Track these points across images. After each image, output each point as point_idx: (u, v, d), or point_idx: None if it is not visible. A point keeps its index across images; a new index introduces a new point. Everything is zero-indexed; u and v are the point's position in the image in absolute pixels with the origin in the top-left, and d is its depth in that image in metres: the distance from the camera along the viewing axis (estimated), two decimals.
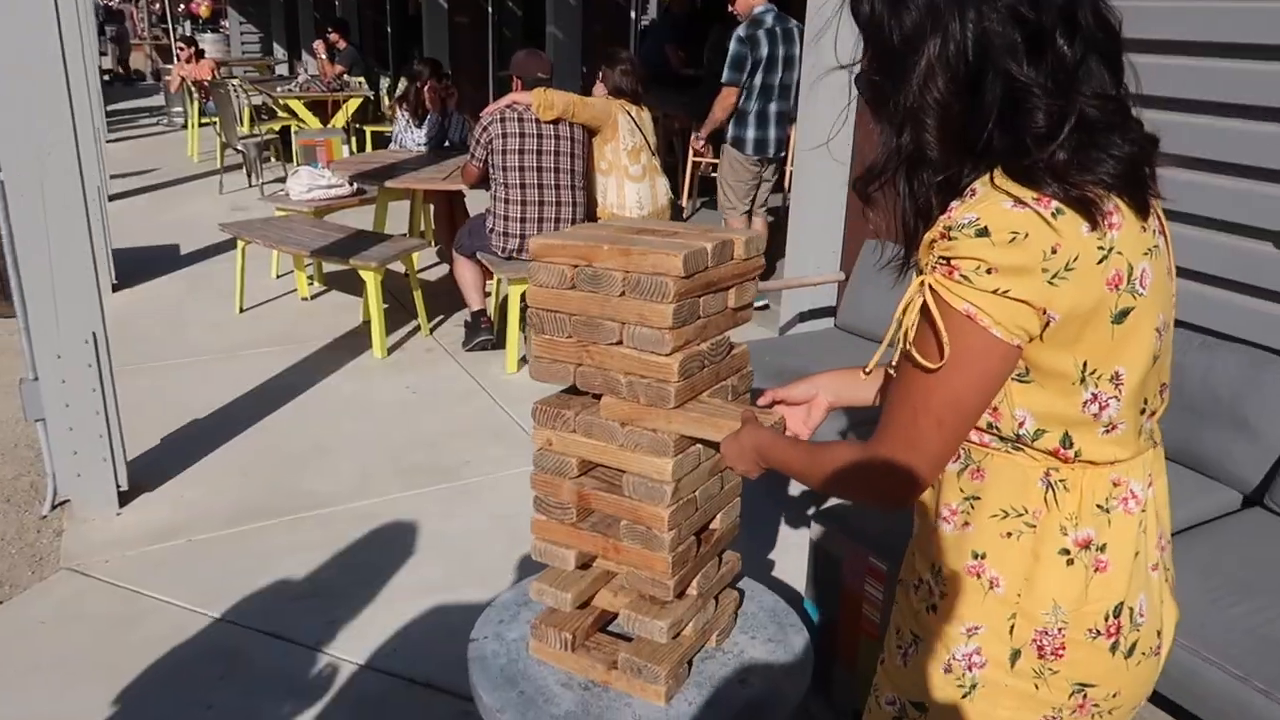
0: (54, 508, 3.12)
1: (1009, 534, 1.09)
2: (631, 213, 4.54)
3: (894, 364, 1.11)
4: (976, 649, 1.12)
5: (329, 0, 14.05)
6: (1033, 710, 1.11)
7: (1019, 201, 0.97)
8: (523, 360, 4.36)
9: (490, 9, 9.19)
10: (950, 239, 0.98)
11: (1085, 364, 1.02)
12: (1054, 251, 0.96)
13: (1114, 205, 1.00)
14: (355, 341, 4.63)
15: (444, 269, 5.82)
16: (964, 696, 1.13)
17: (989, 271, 0.96)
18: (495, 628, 1.81)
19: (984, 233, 0.97)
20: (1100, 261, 0.99)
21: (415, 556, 2.87)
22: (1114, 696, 1.12)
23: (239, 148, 8.15)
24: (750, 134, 4.95)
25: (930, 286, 1.00)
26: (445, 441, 3.63)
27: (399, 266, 4.72)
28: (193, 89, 9.92)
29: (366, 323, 4.69)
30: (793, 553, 2.91)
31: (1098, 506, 1.08)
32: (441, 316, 5.01)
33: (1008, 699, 1.11)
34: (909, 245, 1.09)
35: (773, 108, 4.94)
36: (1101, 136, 0.99)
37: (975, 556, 1.11)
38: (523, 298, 4.30)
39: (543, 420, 1.60)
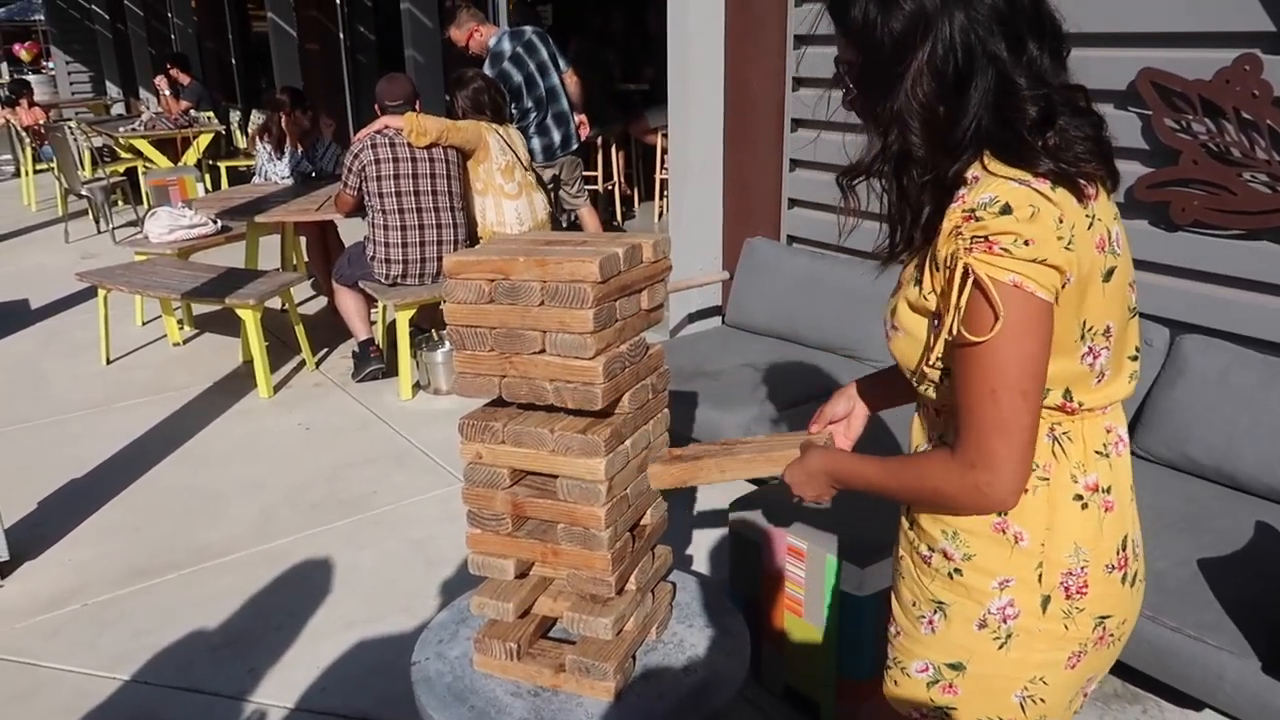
0: None
1: (1027, 490, 1.15)
2: (512, 229, 4.56)
3: (923, 364, 1.17)
4: (1009, 601, 1.19)
5: (162, 35, 13.46)
6: (1063, 649, 1.20)
7: (1021, 181, 1.07)
8: (416, 385, 4.31)
9: (342, 34, 9.02)
10: (977, 219, 1.05)
11: (1084, 322, 1.12)
12: (1061, 221, 1.06)
13: (1089, 178, 1.11)
14: (238, 383, 4.48)
15: (322, 301, 5.68)
16: (1000, 648, 1.20)
17: (1026, 243, 1.04)
18: (436, 648, 1.81)
19: (1007, 209, 1.05)
20: (1089, 228, 1.10)
21: (332, 593, 2.81)
22: (1123, 624, 1.24)
23: (83, 193, 7.73)
24: (537, 144, 5.22)
25: (970, 266, 1.05)
26: (347, 474, 3.56)
27: (276, 303, 4.59)
28: (23, 135, 9.35)
29: (247, 363, 4.54)
30: (707, 541, 3.00)
31: (1097, 453, 1.19)
32: (326, 349, 4.89)
33: (1041, 642, 1.19)
34: (897, 236, 1.18)
35: (549, 115, 5.26)
36: (1070, 120, 1.11)
37: (999, 514, 1.17)
38: (411, 322, 4.26)
39: (470, 434, 1.62)
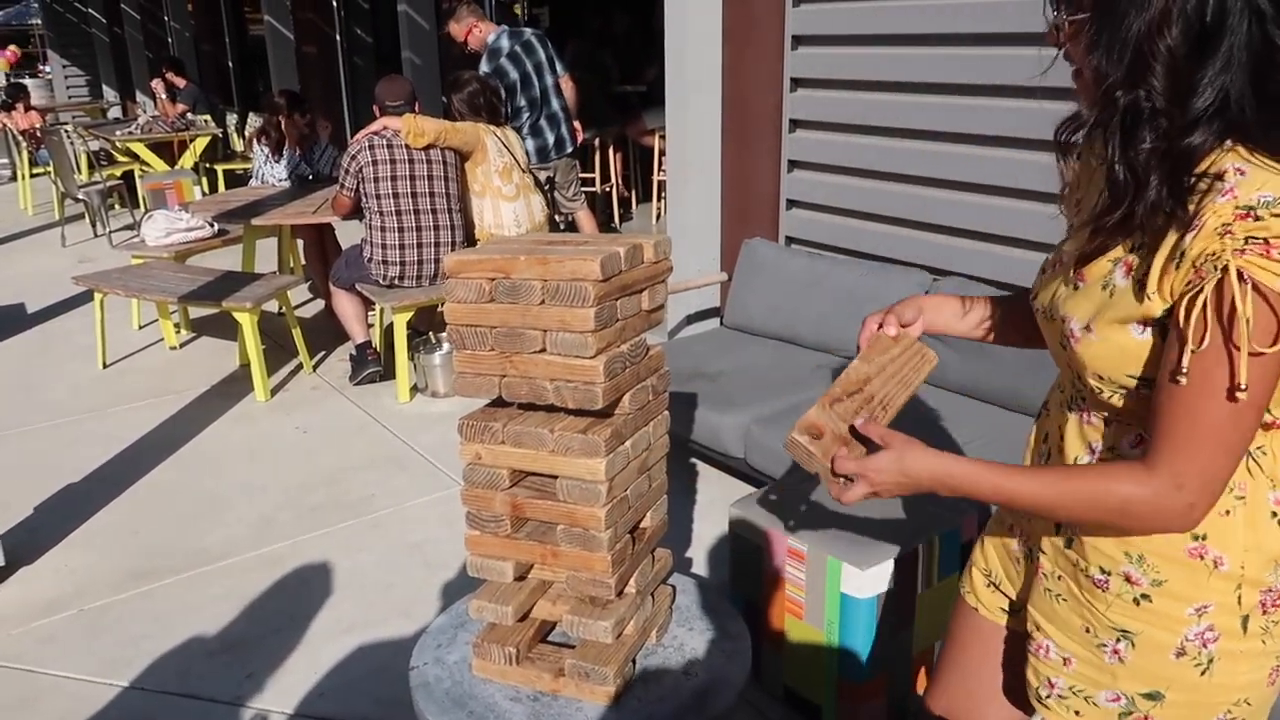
0: None
1: (1226, 512, 1.09)
2: (510, 231, 4.55)
3: (1125, 373, 1.07)
4: (1209, 626, 1.12)
5: (159, 39, 13.45)
6: (1264, 664, 1.14)
7: None
8: (414, 389, 4.29)
9: (340, 37, 9.01)
10: (1257, 218, 0.94)
11: None
12: None
13: None
14: (235, 387, 4.46)
15: (319, 304, 5.67)
16: (1203, 674, 1.13)
17: None
18: (434, 653, 1.79)
19: None
20: None
21: (331, 597, 2.79)
22: None
23: (80, 197, 7.71)
24: (531, 145, 5.22)
25: (1245, 270, 0.94)
26: (345, 477, 3.55)
27: (272, 306, 4.57)
28: (19, 139, 9.34)
29: (244, 366, 4.53)
30: (707, 542, 2.98)
31: None
32: (324, 352, 4.88)
33: (1244, 664, 1.13)
34: (1118, 204, 1.04)
35: (542, 116, 5.27)
36: None
37: (1196, 539, 1.10)
38: (409, 325, 4.25)
39: (470, 435, 1.61)
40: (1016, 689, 1.41)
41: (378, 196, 4.17)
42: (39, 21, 18.01)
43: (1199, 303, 0.96)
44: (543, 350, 1.51)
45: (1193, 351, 0.98)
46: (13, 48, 17.57)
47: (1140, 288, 1.03)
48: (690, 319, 4.35)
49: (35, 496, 3.45)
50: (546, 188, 5.27)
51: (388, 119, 4.25)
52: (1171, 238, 1.00)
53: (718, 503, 3.20)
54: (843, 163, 3.72)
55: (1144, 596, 1.14)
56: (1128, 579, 1.14)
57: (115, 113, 14.03)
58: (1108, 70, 1.00)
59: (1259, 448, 1.08)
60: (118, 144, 8.69)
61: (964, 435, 2.79)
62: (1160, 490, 1.03)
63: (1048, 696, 1.26)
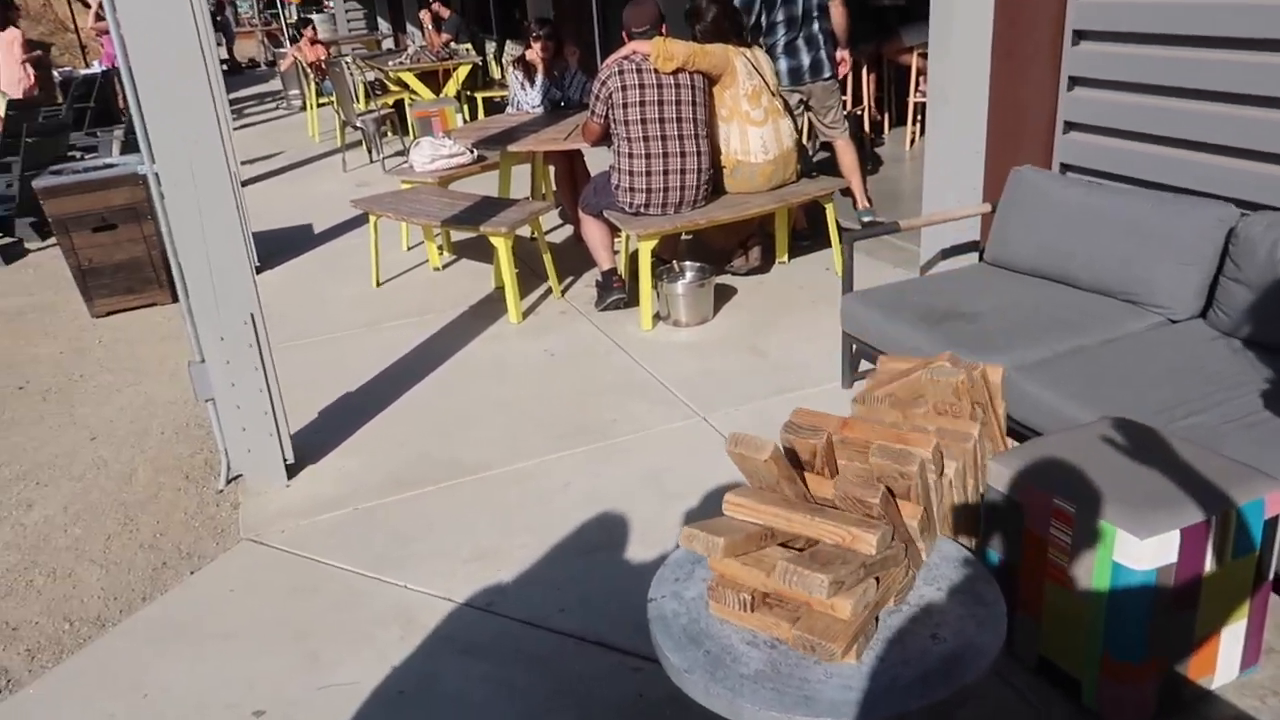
0: (228, 483, 3.29)
1: None
2: (756, 158, 4.43)
3: None
4: None
5: None
6: None
7: None
8: (657, 316, 4.33)
9: None
10: None
11: None
12: None
13: None
14: (490, 308, 4.70)
15: (568, 230, 5.84)
16: None
17: None
18: (672, 586, 1.80)
19: None
20: None
21: (573, 517, 2.90)
22: None
23: (358, 124, 8.34)
24: (784, 65, 4.92)
25: None
26: (589, 401, 3.65)
27: (525, 231, 4.73)
28: (308, 70, 10.19)
29: (499, 289, 4.75)
30: None
31: None
32: (571, 278, 5.02)
33: None
34: None
35: (800, 36, 4.92)
36: None
37: None
38: (653, 252, 4.26)
39: None
40: None
41: (626, 122, 4.18)
42: None
43: None
44: None
45: None
46: None
47: None
48: (945, 254, 4.07)
49: (319, 401, 3.81)
50: (798, 110, 5.06)
51: (636, 43, 4.22)
52: None
53: None
54: (1136, 78, 3.30)
55: None
56: None
57: (388, 44, 15.02)
58: None
59: None
60: (390, 74, 9.29)
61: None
62: None
63: None
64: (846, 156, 5.19)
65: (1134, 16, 3.26)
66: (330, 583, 2.71)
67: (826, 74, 5.04)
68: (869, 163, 6.79)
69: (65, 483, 3.50)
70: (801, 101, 5.09)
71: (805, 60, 4.98)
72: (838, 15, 5.08)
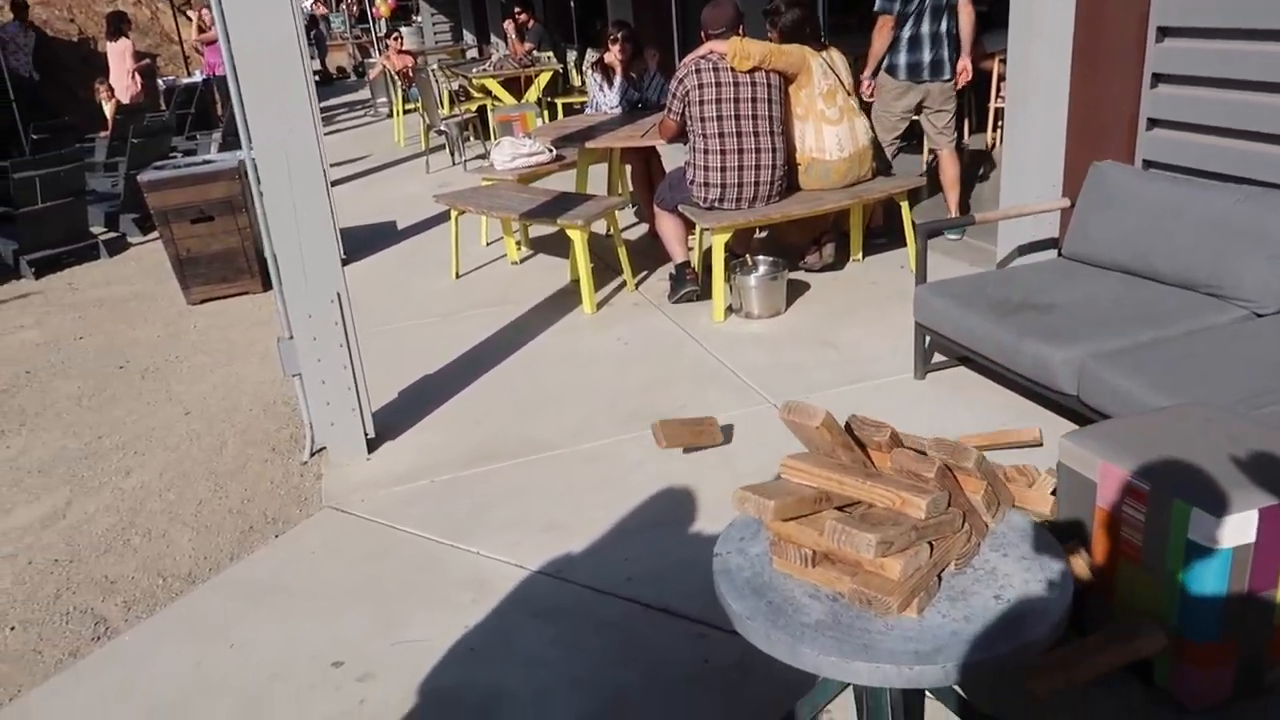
0: (313, 454, 3.43)
1: None
2: (832, 156, 4.45)
3: None
4: None
5: None
6: None
7: None
8: (729, 309, 4.37)
9: None
10: None
11: None
12: None
13: None
14: (565, 300, 4.79)
15: (643, 228, 5.92)
16: None
17: None
18: (737, 544, 1.84)
19: None
20: None
21: (641, 493, 2.95)
22: None
23: (442, 129, 8.58)
24: (902, 59, 4.77)
25: None
26: (660, 388, 3.71)
27: (600, 228, 4.82)
28: (395, 78, 10.51)
29: (574, 282, 4.85)
30: None
31: None
32: (645, 272, 5.10)
33: None
34: None
35: (925, 30, 4.72)
36: None
37: None
38: (726, 246, 4.31)
39: None
40: None
41: (702, 119, 4.24)
42: None
43: None
44: None
45: None
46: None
47: None
48: (1022, 250, 4.03)
49: (399, 383, 3.94)
50: (914, 113, 4.92)
51: (714, 43, 4.29)
52: None
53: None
54: (1221, 73, 3.24)
55: None
56: None
57: (472, 54, 15.38)
58: None
59: None
60: (473, 81, 9.53)
61: None
62: None
63: None
64: (951, 169, 4.97)
65: (1218, 11, 3.20)
66: (407, 548, 2.81)
67: (947, 75, 4.80)
68: None
69: (161, 452, 3.69)
70: (919, 103, 4.88)
71: (926, 57, 4.75)
72: (965, 18, 4.77)
